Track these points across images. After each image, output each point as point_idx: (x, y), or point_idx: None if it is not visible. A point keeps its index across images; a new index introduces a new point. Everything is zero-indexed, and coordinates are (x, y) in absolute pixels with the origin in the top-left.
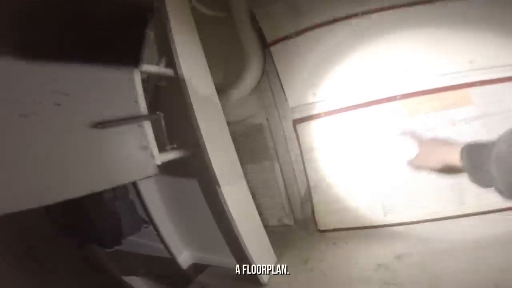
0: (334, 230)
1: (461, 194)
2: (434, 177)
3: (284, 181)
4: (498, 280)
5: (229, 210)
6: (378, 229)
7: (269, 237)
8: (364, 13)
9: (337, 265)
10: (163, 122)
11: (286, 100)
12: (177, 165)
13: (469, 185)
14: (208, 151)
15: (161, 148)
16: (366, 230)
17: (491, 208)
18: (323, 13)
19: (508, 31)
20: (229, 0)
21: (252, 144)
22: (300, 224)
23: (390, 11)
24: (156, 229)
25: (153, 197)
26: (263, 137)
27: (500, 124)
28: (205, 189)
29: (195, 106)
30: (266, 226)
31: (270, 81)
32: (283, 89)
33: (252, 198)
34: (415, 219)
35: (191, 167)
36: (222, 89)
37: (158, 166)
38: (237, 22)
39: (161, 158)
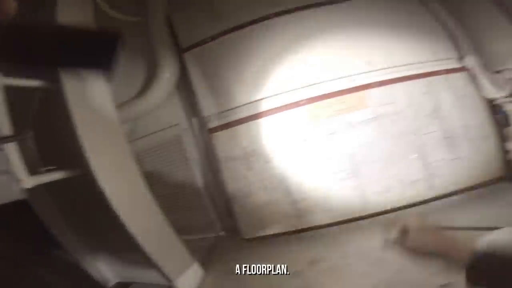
0: (257, 238)
1: (363, 195)
2: (338, 180)
3: (207, 192)
4: (393, 280)
5: (131, 231)
6: (296, 234)
7: (197, 249)
8: (277, 14)
9: (261, 275)
10: (30, 143)
11: (201, 109)
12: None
13: (370, 186)
14: (96, 172)
15: (33, 171)
16: (285, 236)
17: (391, 207)
18: (239, 16)
19: (401, 32)
20: (146, 4)
21: (171, 155)
22: (227, 234)
23: (295, 13)
24: (66, 249)
25: (55, 218)
26: (182, 148)
27: (391, 125)
28: (102, 210)
29: (80, 123)
30: (191, 240)
31: (188, 89)
32: (196, 97)
33: (175, 211)
34: (326, 222)
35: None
36: (132, 99)
37: (29, 189)
38: (151, 27)
39: (32, 181)
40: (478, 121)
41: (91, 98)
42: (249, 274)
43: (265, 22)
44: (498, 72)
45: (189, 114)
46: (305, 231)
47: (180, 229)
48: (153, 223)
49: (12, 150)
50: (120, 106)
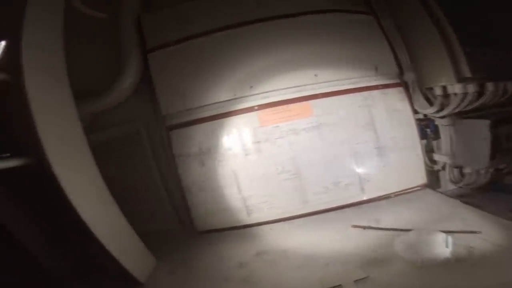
0: (210, 231)
1: (304, 195)
2: (283, 180)
3: (164, 185)
4: (321, 274)
5: (86, 222)
6: (244, 229)
7: (152, 240)
8: (239, 24)
9: (210, 264)
10: None
11: (161, 107)
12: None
13: (310, 187)
14: (52, 161)
15: None
16: (235, 230)
17: (326, 207)
18: (202, 24)
19: (348, 47)
20: (118, 2)
21: (129, 149)
22: (182, 226)
23: (256, 25)
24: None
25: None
26: (141, 142)
27: (332, 133)
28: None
29: (37, 112)
30: (147, 231)
31: (149, 87)
32: (156, 96)
33: (132, 203)
34: (270, 219)
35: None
36: (96, 92)
37: None
38: (121, 24)
39: None
40: (406, 133)
41: (50, 90)
42: (200, 263)
43: (227, 31)
44: (429, 89)
45: (149, 111)
46: (253, 226)
47: (137, 221)
48: (109, 216)
49: None
50: (83, 100)
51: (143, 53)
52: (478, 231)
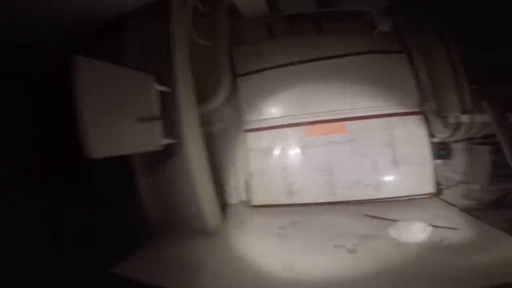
0: (262, 206)
1: (333, 188)
2: (318, 175)
3: (237, 169)
4: (335, 238)
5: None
6: (287, 207)
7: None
8: (299, 62)
9: (260, 226)
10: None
11: (243, 116)
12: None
13: (338, 183)
14: (186, 143)
15: (164, 136)
16: (280, 207)
17: (349, 199)
18: (274, 59)
19: (378, 81)
20: (215, 36)
21: (219, 141)
22: (243, 201)
23: (313, 62)
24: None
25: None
26: (226, 137)
27: (360, 147)
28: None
29: (183, 113)
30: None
31: (236, 100)
32: (242, 107)
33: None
34: (306, 201)
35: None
36: (201, 100)
37: (162, 145)
38: (217, 53)
39: (164, 141)
40: (419, 152)
41: (188, 97)
42: (253, 224)
43: (292, 66)
44: (444, 117)
45: (236, 117)
46: (292, 205)
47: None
48: (207, 182)
49: (159, 124)
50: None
51: (233, 76)
52: (456, 228)
